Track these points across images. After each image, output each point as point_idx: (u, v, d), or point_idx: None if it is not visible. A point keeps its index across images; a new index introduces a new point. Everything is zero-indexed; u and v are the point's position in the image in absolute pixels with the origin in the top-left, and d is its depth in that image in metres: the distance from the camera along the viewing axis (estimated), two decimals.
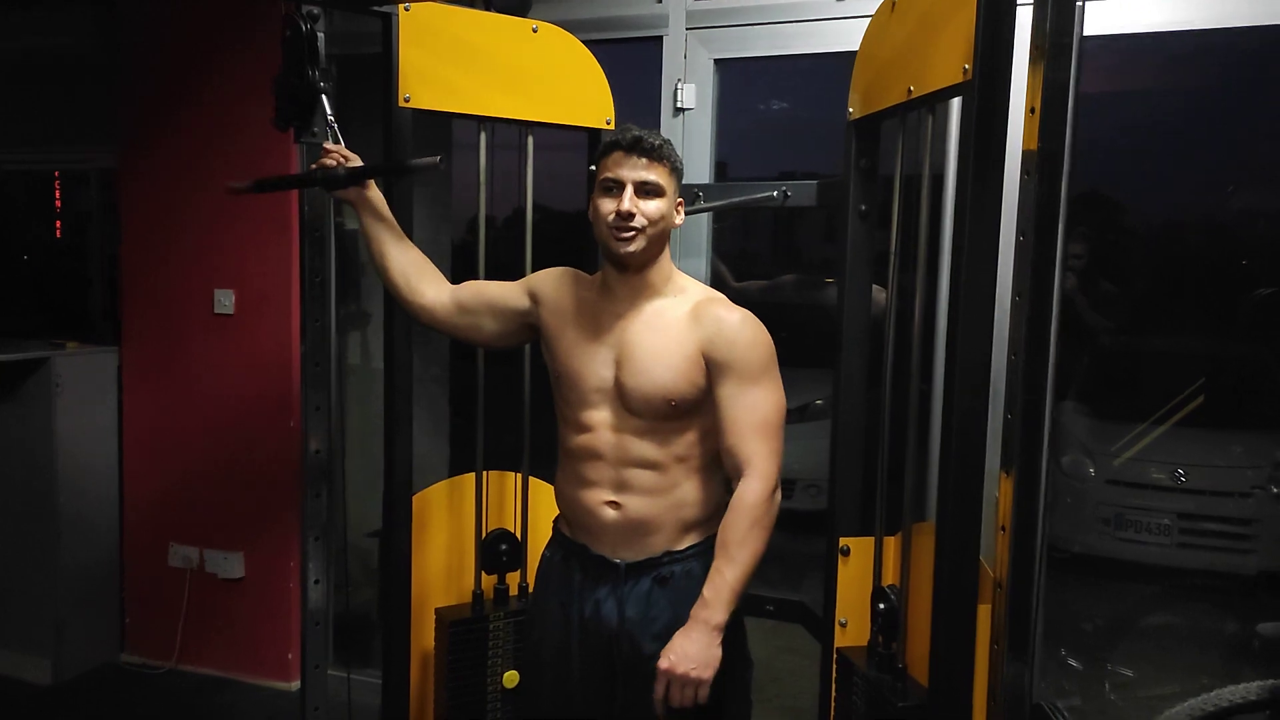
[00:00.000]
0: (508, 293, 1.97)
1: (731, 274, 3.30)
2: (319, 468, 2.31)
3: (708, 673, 1.58)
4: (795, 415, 5.16)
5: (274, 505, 3.50)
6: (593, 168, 2.46)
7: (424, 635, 2.41)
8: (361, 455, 3.38)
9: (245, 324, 3.49)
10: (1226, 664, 3.76)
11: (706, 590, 1.63)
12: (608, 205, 1.75)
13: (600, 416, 1.82)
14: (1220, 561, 4.25)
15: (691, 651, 1.58)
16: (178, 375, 3.59)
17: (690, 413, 1.78)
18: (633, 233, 1.74)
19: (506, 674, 2.37)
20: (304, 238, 2.34)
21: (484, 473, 2.43)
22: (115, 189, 3.71)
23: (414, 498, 2.36)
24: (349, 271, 3.68)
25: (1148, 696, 3.42)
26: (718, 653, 1.60)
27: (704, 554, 1.81)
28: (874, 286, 2.27)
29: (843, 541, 2.23)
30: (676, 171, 1.80)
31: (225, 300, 3.50)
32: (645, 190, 1.75)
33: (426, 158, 1.91)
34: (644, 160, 1.74)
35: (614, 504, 1.81)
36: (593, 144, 2.49)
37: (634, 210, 1.72)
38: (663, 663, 1.59)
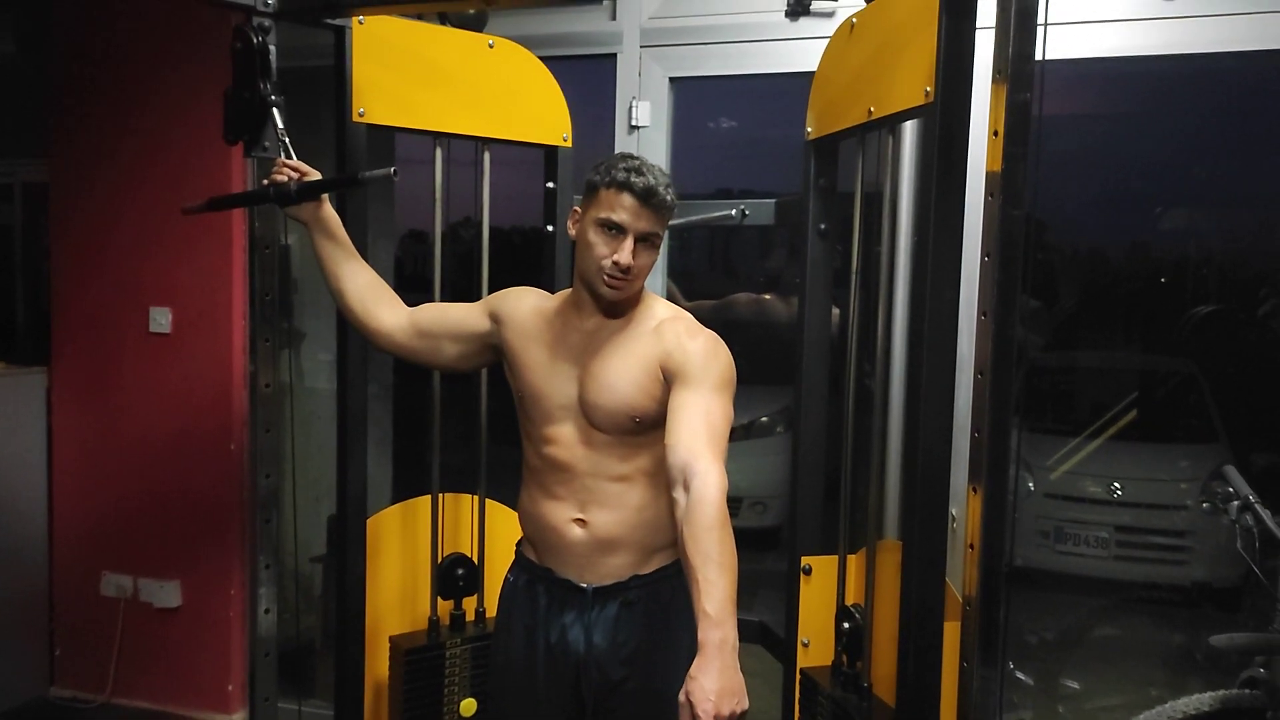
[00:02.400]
0: (468, 315, 1.93)
1: (681, 292, 3.30)
2: (270, 492, 2.24)
3: (746, 699, 1.40)
4: (741, 432, 5.17)
5: (212, 531, 3.38)
6: (550, 185, 2.47)
7: (378, 663, 2.34)
8: (300, 477, 3.29)
9: (183, 343, 3.38)
10: (1171, 674, 3.85)
11: (709, 607, 1.42)
12: (604, 249, 1.69)
13: (566, 431, 1.79)
14: (1157, 574, 4.37)
15: (726, 684, 1.38)
16: (111, 397, 3.45)
17: (654, 427, 1.75)
18: (626, 283, 1.71)
19: (464, 702, 2.32)
20: (253, 254, 2.27)
21: (439, 495, 2.38)
22: (45, 202, 3.57)
23: (367, 521, 2.30)
24: (283, 289, 3.59)
25: (1095, 708, 3.48)
26: (740, 675, 1.42)
27: (671, 577, 1.78)
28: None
29: (805, 560, 2.23)
30: (672, 213, 1.77)
31: (161, 319, 3.39)
32: (646, 242, 1.71)
33: (379, 170, 1.87)
34: (652, 213, 1.69)
35: (580, 521, 1.77)
36: (549, 161, 2.47)
37: (633, 264, 1.69)
38: (701, 709, 1.36)
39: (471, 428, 2.45)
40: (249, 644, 2.27)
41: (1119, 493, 4.48)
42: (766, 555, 4.52)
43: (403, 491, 2.49)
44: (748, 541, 4.65)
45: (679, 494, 1.56)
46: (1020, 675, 3.46)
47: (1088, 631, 4.26)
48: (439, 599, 2.37)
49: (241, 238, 3.29)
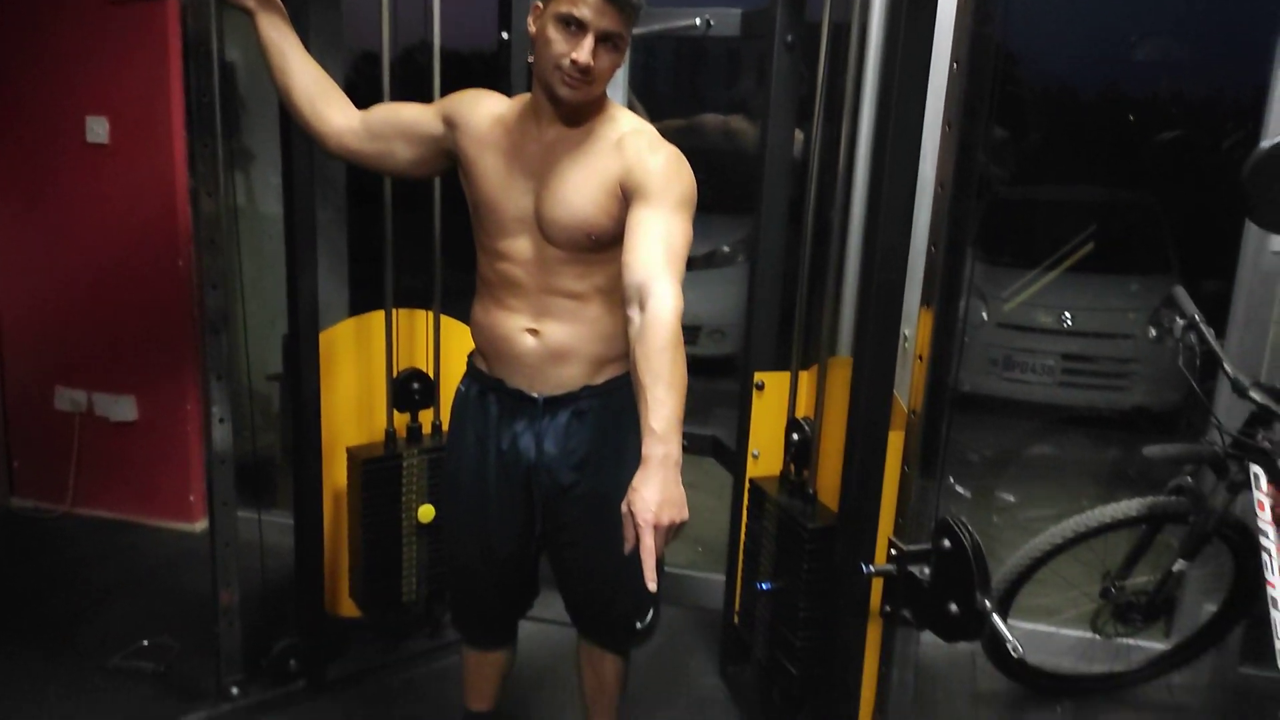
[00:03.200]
0: (421, 116, 1.84)
1: (646, 110, 3.20)
2: (217, 308, 2.20)
3: (685, 510, 1.44)
4: (702, 261, 5.16)
5: (165, 348, 3.35)
6: None
7: (336, 474, 2.38)
8: (255, 301, 3.25)
9: (121, 154, 3.24)
10: (1104, 489, 4.04)
11: (655, 424, 1.43)
12: (562, 46, 1.59)
13: (520, 245, 1.75)
14: (1100, 399, 4.53)
15: (668, 496, 1.41)
16: (51, 210, 3.34)
17: (611, 245, 1.71)
18: (584, 84, 1.62)
19: (421, 508, 2.37)
20: (187, 55, 2.14)
21: (393, 310, 2.36)
22: None
23: (321, 335, 2.28)
24: (229, 105, 3.43)
25: (1028, 518, 3.66)
26: (681, 488, 1.45)
27: (622, 388, 1.79)
28: None
29: (757, 376, 2.26)
30: (639, 14, 1.66)
31: (98, 128, 3.24)
32: (608, 41, 1.61)
33: None
34: (616, 10, 1.58)
35: (533, 331, 1.76)
36: None
37: (592, 64, 1.60)
38: (641, 518, 1.39)
39: (425, 242, 2.40)
40: (205, 452, 2.28)
41: (1069, 322, 4.58)
42: (723, 380, 4.61)
43: (358, 310, 2.46)
44: (705, 369, 4.72)
45: (634, 312, 1.54)
46: (959, 489, 3.61)
47: (1025, 449, 4.45)
48: (395, 412, 2.39)
49: (178, 41, 3.11)
